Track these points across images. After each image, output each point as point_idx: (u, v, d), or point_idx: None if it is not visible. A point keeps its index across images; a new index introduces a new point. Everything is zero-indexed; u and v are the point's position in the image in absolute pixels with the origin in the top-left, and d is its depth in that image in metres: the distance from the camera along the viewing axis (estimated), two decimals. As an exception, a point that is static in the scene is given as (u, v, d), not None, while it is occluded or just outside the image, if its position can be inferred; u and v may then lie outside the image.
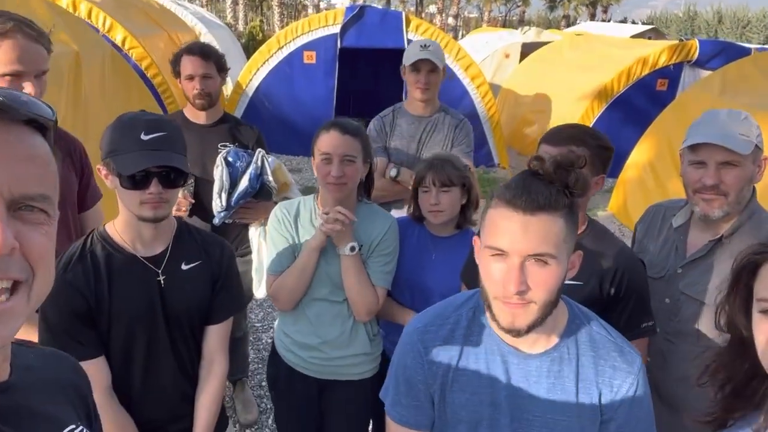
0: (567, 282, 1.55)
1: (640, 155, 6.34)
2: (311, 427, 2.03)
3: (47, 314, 1.42)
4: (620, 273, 1.57)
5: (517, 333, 1.08)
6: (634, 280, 1.59)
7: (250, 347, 3.63)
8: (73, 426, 0.76)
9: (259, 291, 2.53)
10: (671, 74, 7.91)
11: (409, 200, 2.10)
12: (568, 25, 33.59)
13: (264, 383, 3.32)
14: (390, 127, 2.80)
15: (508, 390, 1.16)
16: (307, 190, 6.55)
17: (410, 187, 2.07)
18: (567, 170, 1.05)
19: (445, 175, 1.95)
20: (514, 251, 1.03)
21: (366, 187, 2.02)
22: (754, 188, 1.65)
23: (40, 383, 0.75)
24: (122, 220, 1.49)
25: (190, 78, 2.53)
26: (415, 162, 2.75)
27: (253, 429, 2.99)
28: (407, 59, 2.68)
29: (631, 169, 6.38)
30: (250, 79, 7.79)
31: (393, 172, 2.71)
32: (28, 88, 1.55)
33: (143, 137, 1.36)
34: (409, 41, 7.70)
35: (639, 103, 7.86)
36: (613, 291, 1.57)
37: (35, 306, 0.66)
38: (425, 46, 2.66)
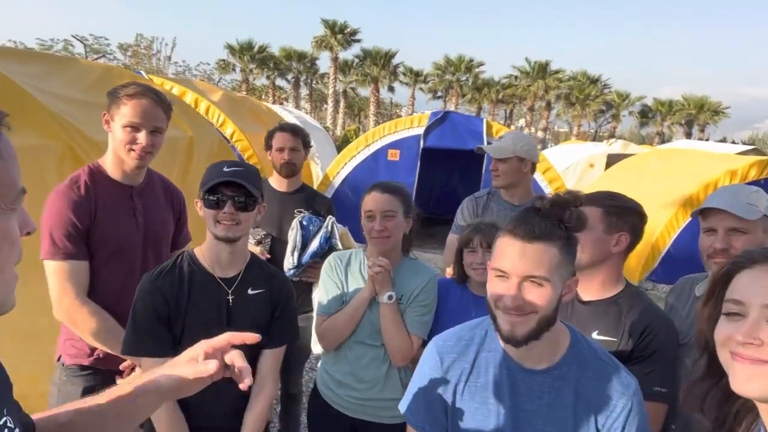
0: (601, 338, 1.67)
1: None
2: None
3: (136, 310, 1.71)
4: (648, 332, 1.65)
5: (516, 342, 1.23)
6: (660, 342, 1.65)
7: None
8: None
9: (317, 347, 2.73)
10: (761, 188, 7.63)
11: (453, 264, 2.27)
12: (662, 143, 32.95)
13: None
14: (482, 209, 2.99)
15: (513, 402, 1.28)
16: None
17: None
18: (562, 207, 1.24)
19: (492, 237, 2.12)
20: (514, 272, 1.21)
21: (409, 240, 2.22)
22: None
23: None
24: (206, 244, 1.80)
25: (281, 150, 2.98)
26: None
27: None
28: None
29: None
30: (338, 172, 8.47)
31: None
32: (141, 137, 1.95)
33: (225, 169, 1.70)
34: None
35: (727, 214, 7.59)
36: (639, 349, 1.65)
37: None
38: (501, 137, 2.92)
